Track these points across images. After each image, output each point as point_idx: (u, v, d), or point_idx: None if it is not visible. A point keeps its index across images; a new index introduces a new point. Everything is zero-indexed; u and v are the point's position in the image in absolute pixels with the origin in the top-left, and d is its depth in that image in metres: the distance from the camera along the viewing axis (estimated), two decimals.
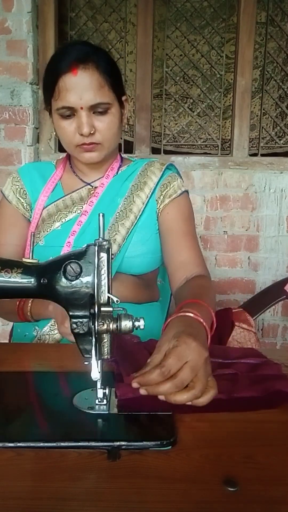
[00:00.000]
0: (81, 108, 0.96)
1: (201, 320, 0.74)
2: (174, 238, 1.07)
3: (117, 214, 1.07)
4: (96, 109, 0.98)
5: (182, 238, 1.07)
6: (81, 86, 0.95)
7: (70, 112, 0.98)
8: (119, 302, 0.65)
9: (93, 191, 1.09)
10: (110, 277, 0.66)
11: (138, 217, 1.07)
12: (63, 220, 1.07)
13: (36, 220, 1.09)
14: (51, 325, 1.02)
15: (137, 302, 1.06)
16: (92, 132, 0.98)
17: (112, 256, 0.68)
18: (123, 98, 1.05)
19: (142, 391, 0.63)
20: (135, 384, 0.63)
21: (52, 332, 1.02)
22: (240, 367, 0.80)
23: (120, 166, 1.13)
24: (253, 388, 0.72)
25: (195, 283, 1.00)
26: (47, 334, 1.03)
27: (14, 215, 1.12)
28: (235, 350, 0.89)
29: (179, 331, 0.68)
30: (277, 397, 0.70)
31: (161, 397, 0.63)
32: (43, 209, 1.09)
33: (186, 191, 1.12)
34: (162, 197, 1.09)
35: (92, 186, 1.10)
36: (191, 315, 0.75)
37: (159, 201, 1.09)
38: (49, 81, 0.99)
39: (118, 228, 1.06)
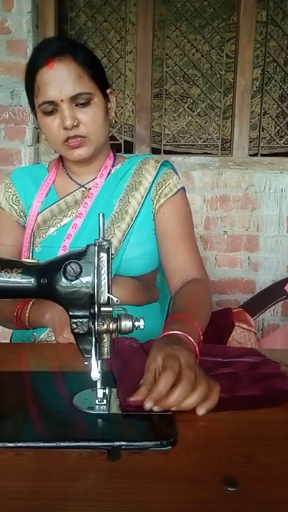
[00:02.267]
0: (62, 100, 0.95)
1: (188, 336, 0.74)
2: (169, 241, 1.05)
3: (113, 216, 1.04)
4: (78, 101, 0.96)
5: (178, 241, 1.05)
6: (59, 78, 0.94)
7: (52, 107, 0.96)
8: (119, 302, 0.65)
9: (87, 193, 1.07)
10: (110, 277, 0.66)
11: (134, 218, 1.05)
12: (58, 225, 1.05)
13: (31, 226, 1.07)
14: (49, 331, 1.01)
15: (137, 305, 1.06)
16: (75, 124, 0.96)
17: (112, 257, 0.68)
18: (108, 91, 1.03)
19: (156, 408, 0.62)
20: (148, 405, 0.62)
21: (50, 338, 1.01)
22: (240, 366, 0.80)
23: (113, 165, 1.10)
24: (254, 386, 0.72)
25: (188, 289, 0.98)
26: (44, 340, 1.02)
27: (7, 222, 1.10)
28: (234, 349, 0.89)
29: (164, 347, 0.68)
30: (278, 395, 0.70)
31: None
32: (38, 214, 1.08)
33: (183, 188, 1.10)
34: (157, 196, 1.06)
35: (86, 188, 1.08)
36: (178, 332, 0.75)
37: (155, 201, 1.07)
38: (28, 78, 0.98)
39: (114, 231, 1.04)
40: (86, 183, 1.09)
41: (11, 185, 1.11)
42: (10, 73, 2.06)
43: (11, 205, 1.10)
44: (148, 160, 1.10)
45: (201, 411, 0.63)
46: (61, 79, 0.94)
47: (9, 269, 0.70)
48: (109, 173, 1.09)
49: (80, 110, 0.97)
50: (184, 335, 0.74)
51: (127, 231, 1.04)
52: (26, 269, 0.70)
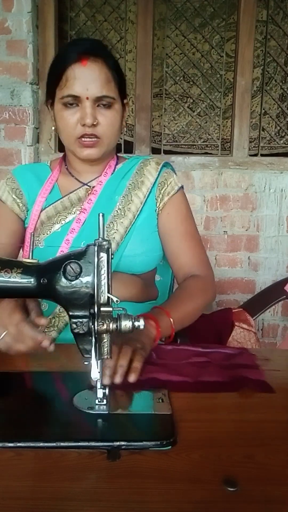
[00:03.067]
0: (87, 98, 0.96)
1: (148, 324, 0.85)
2: (174, 240, 1.09)
3: (115, 212, 1.06)
4: (101, 102, 0.98)
5: (182, 240, 1.09)
6: (89, 76, 0.96)
7: (75, 102, 0.98)
8: (119, 302, 0.65)
9: (90, 191, 1.08)
10: (110, 277, 0.66)
11: (136, 216, 1.07)
12: (63, 221, 1.06)
13: (34, 221, 1.08)
14: (45, 329, 1.02)
15: (136, 301, 1.06)
16: (95, 123, 0.98)
17: (112, 256, 0.68)
18: (125, 101, 1.06)
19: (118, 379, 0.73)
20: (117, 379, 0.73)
21: (49, 331, 1.03)
22: (216, 356, 0.85)
23: (116, 164, 1.12)
24: (220, 374, 0.77)
25: (181, 285, 1.06)
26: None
27: (6, 216, 1.10)
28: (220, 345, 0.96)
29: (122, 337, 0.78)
30: (240, 382, 0.75)
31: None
32: (41, 211, 1.09)
33: (182, 187, 1.13)
34: (161, 195, 1.09)
35: (90, 186, 1.09)
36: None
37: (159, 200, 1.09)
38: (57, 70, 0.99)
39: (117, 226, 1.05)
40: (89, 182, 1.10)
41: (14, 180, 1.12)
42: (10, 73, 2.05)
43: (14, 198, 1.10)
44: (149, 162, 1.13)
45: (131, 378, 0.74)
46: (91, 78, 0.96)
47: (9, 269, 0.70)
48: (112, 172, 1.11)
49: (100, 111, 0.99)
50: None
51: (129, 228, 1.06)
52: (26, 269, 0.70)
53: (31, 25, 2.03)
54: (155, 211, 1.10)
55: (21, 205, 1.10)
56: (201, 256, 1.11)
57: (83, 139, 1.00)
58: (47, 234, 1.06)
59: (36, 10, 2.09)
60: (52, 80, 1.01)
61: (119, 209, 1.07)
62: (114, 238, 1.04)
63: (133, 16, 2.22)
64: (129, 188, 1.09)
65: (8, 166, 2.10)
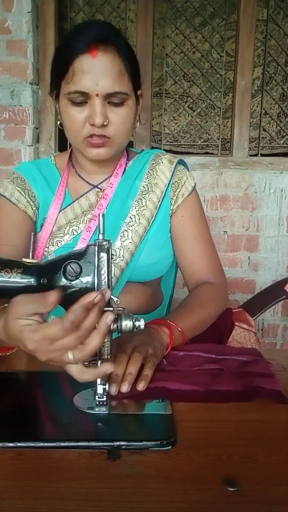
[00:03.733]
0: (96, 95, 0.86)
1: (157, 328, 0.83)
2: (187, 245, 1.04)
3: (129, 219, 0.99)
4: (112, 99, 0.88)
5: (195, 245, 1.04)
6: (99, 70, 0.85)
7: (83, 99, 0.87)
8: (119, 302, 0.65)
9: (101, 194, 1.00)
10: (110, 277, 0.66)
11: (151, 222, 1.00)
12: (75, 232, 0.98)
13: (48, 230, 0.99)
14: None
15: (143, 313, 1.04)
16: (105, 123, 0.88)
17: (112, 256, 0.68)
18: (139, 92, 0.96)
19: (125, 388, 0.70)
20: (124, 388, 0.70)
21: None
22: (229, 364, 0.81)
23: (127, 162, 1.04)
24: (233, 383, 0.73)
25: (193, 292, 1.01)
26: None
27: (20, 218, 1.00)
28: (234, 348, 0.89)
29: (131, 340, 0.77)
30: (254, 391, 0.71)
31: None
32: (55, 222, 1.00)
33: (195, 186, 1.07)
34: (175, 197, 1.03)
35: (100, 189, 1.01)
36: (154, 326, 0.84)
37: (173, 201, 1.03)
38: (62, 60, 0.87)
39: (132, 235, 0.98)
40: (99, 183, 1.03)
41: (23, 180, 1.02)
42: (10, 73, 2.05)
43: (28, 201, 1.00)
44: (161, 159, 1.05)
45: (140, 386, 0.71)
46: (102, 72, 0.85)
47: (9, 269, 0.70)
48: (124, 171, 1.03)
49: (112, 108, 0.89)
50: (151, 326, 0.83)
51: (143, 236, 0.99)
52: (26, 269, 0.70)
53: (31, 25, 2.03)
54: (169, 213, 1.03)
55: (34, 208, 1.01)
56: (215, 263, 1.06)
57: (91, 138, 0.90)
58: (58, 245, 0.98)
59: (36, 10, 2.09)
60: (57, 71, 0.89)
61: (132, 215, 0.99)
62: (129, 248, 0.98)
63: (133, 15, 2.22)
64: (142, 191, 1.01)
65: (8, 166, 2.10)
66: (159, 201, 1.01)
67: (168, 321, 0.86)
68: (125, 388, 0.69)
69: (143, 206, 1.00)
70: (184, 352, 0.84)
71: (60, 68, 0.88)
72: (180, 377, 0.74)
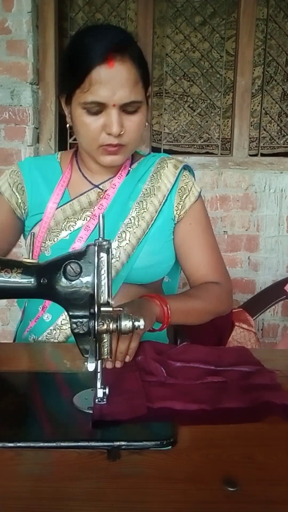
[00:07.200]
0: (114, 105, 0.87)
1: (151, 299, 0.89)
2: (195, 253, 1.04)
3: (128, 220, 0.99)
4: (127, 108, 0.89)
5: (204, 252, 1.04)
6: (116, 80, 0.85)
7: (99, 108, 0.88)
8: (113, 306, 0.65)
9: (103, 195, 1.01)
10: (110, 277, 0.66)
11: (151, 225, 1.00)
12: (72, 228, 0.99)
13: (44, 229, 1.01)
14: (47, 333, 1.00)
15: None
16: (122, 132, 0.89)
17: (112, 256, 0.68)
18: (147, 93, 0.95)
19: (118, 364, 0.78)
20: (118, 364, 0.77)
21: (49, 341, 1.00)
22: (232, 375, 0.77)
23: (131, 163, 1.05)
24: (241, 398, 0.69)
25: (198, 286, 1.03)
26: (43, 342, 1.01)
27: (2, 207, 1.04)
28: (231, 356, 0.84)
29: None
30: (264, 408, 0.67)
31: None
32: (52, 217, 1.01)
33: (200, 191, 1.07)
34: (182, 202, 1.02)
35: (102, 190, 1.02)
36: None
37: (179, 207, 1.02)
38: (78, 69, 0.87)
39: (130, 237, 0.99)
40: (101, 183, 1.03)
41: (19, 173, 1.04)
42: (10, 73, 2.05)
43: (13, 192, 1.03)
44: (166, 163, 1.05)
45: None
46: (119, 82, 0.86)
47: (9, 269, 0.70)
48: (128, 172, 1.04)
49: (126, 117, 0.90)
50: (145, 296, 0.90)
51: (141, 238, 0.99)
52: (26, 269, 0.70)
53: (31, 25, 2.03)
54: (172, 219, 1.03)
55: (19, 201, 1.03)
56: (222, 268, 1.06)
57: (107, 146, 0.91)
58: (54, 241, 0.99)
59: (36, 10, 2.09)
60: (72, 79, 0.89)
61: (132, 217, 0.99)
62: (125, 249, 0.98)
63: (132, 15, 2.22)
64: (144, 194, 1.01)
65: (8, 166, 2.09)
66: (160, 204, 1.01)
67: (161, 297, 0.90)
68: (118, 364, 0.77)
69: (143, 209, 1.00)
70: (181, 363, 0.81)
71: (76, 77, 0.88)
72: (184, 393, 0.70)
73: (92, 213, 1.00)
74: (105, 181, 1.03)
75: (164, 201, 1.01)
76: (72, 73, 0.90)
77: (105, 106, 0.88)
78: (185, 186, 1.04)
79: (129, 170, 1.03)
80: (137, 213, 1.00)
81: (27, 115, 2.08)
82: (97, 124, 0.90)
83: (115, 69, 0.85)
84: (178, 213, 1.03)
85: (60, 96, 0.96)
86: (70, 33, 2.23)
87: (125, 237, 0.99)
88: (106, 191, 1.01)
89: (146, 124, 0.98)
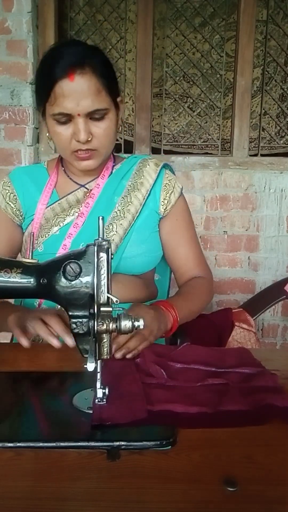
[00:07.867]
0: (78, 115, 0.94)
1: (164, 307, 0.95)
2: (181, 247, 1.13)
3: (114, 213, 1.06)
4: (93, 115, 0.96)
5: (188, 246, 1.13)
6: (78, 92, 0.92)
7: (67, 118, 0.95)
8: (118, 302, 0.65)
9: (88, 194, 1.08)
10: (109, 277, 0.66)
11: (136, 217, 1.07)
12: (61, 224, 1.06)
13: (36, 229, 1.07)
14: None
15: (136, 302, 1.06)
16: (89, 139, 0.96)
17: (112, 257, 0.68)
18: (118, 99, 1.02)
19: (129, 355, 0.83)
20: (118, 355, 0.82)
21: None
22: (233, 377, 0.76)
23: (114, 165, 1.12)
24: (242, 401, 0.68)
25: (187, 283, 1.11)
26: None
27: (2, 222, 1.10)
28: (232, 357, 0.84)
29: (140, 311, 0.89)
30: (266, 411, 0.66)
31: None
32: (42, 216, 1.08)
33: (182, 188, 1.15)
34: (168, 197, 1.10)
35: (88, 189, 1.09)
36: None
37: (165, 202, 1.10)
38: (44, 85, 0.96)
39: (116, 228, 1.05)
40: (87, 183, 1.10)
41: (9, 184, 1.11)
42: (10, 73, 2.06)
43: (8, 203, 1.09)
44: (147, 162, 1.12)
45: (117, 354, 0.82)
46: (81, 93, 0.92)
47: (9, 269, 0.70)
48: (110, 173, 1.10)
49: (94, 123, 0.97)
50: (161, 306, 0.95)
51: (128, 229, 1.06)
52: (26, 269, 0.70)
53: (31, 25, 2.03)
54: (157, 212, 1.10)
55: (15, 209, 1.10)
56: (202, 259, 1.16)
57: (78, 152, 0.99)
58: (45, 237, 1.05)
59: (36, 10, 2.09)
60: (40, 93, 0.98)
61: (118, 210, 1.06)
62: (113, 240, 1.04)
63: (133, 16, 2.22)
64: (128, 189, 1.08)
65: (8, 166, 2.10)
66: (144, 198, 1.08)
67: (174, 308, 0.96)
68: (117, 355, 0.82)
69: (128, 202, 1.08)
70: (181, 364, 0.81)
71: (43, 92, 0.96)
72: (184, 396, 0.70)
73: (80, 210, 1.06)
74: (89, 181, 1.10)
75: (147, 195, 1.09)
76: (40, 88, 0.98)
77: (72, 116, 0.95)
78: (169, 183, 1.11)
79: (111, 171, 1.11)
80: (122, 207, 1.07)
81: (27, 115, 2.08)
82: (67, 133, 0.97)
83: (76, 81, 0.92)
84: (164, 208, 1.11)
85: (38, 110, 1.03)
86: (70, 33, 2.23)
87: (112, 228, 1.05)
88: (91, 190, 1.08)
89: (120, 128, 1.05)
